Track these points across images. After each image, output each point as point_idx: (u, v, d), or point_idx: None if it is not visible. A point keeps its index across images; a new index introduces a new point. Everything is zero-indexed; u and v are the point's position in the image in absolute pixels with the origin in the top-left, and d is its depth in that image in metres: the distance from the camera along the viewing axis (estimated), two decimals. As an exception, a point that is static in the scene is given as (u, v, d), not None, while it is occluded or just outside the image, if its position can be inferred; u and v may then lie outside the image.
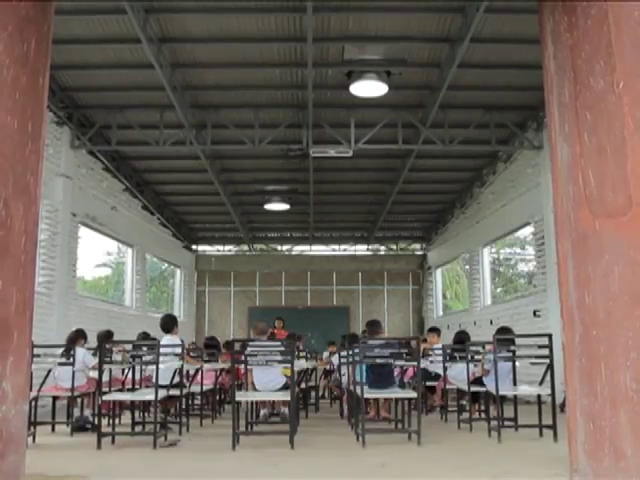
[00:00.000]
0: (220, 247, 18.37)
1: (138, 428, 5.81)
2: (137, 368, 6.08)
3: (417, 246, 18.47)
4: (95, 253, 19.73)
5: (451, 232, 15.32)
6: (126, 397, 5.74)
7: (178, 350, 5.89)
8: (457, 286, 20.94)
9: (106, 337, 6.94)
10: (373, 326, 6.46)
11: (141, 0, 6.62)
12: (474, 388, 6.28)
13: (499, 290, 16.76)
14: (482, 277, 13.26)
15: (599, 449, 2.95)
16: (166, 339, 6.20)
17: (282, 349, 5.21)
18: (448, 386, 7.09)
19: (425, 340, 9.17)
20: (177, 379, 5.76)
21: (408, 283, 18.08)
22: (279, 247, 18.49)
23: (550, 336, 5.21)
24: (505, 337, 5.67)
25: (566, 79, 3.26)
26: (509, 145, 10.58)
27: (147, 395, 5.44)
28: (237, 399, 5.25)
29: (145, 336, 7.63)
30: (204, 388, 7.10)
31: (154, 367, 5.35)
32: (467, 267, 15.17)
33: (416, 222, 16.69)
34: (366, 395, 5.37)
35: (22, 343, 3.20)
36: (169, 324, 6.46)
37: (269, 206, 13.58)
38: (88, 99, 9.26)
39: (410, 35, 7.44)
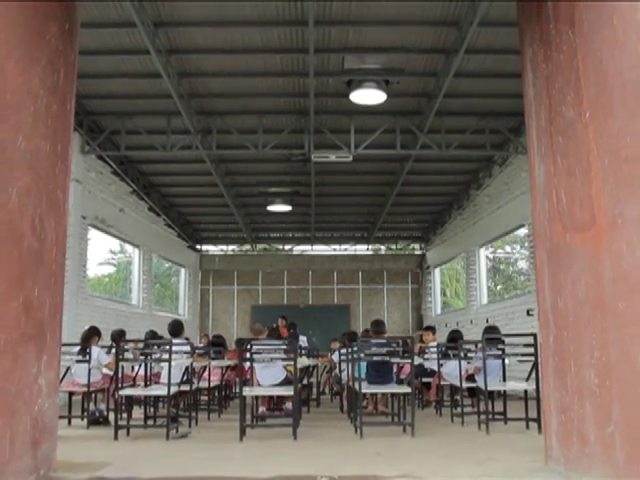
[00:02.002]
0: (224, 247, 18.77)
1: (149, 422, 6.18)
2: (147, 365, 6.46)
3: (416, 246, 18.83)
4: (98, 251, 20.00)
5: (449, 233, 15.67)
6: (141, 392, 6.11)
7: (187, 348, 6.30)
8: (457, 284, 21.21)
9: (119, 336, 7.32)
10: (378, 326, 6.81)
11: (150, 1, 6.87)
12: (468, 384, 6.67)
13: (499, 287, 16.99)
14: (479, 277, 13.61)
15: (569, 437, 3.32)
16: (175, 341, 6.58)
17: (284, 347, 5.60)
18: (442, 382, 7.47)
19: (421, 337, 9.53)
20: (187, 376, 6.15)
21: (407, 282, 18.45)
22: (281, 247, 18.87)
23: (535, 335, 5.55)
24: (492, 336, 6.05)
25: (542, 105, 3.62)
26: (504, 150, 10.89)
27: (160, 390, 5.82)
28: (244, 394, 5.63)
29: (153, 334, 8.02)
30: (211, 384, 7.49)
31: (163, 364, 5.78)
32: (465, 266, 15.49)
33: (415, 223, 17.02)
34: (364, 390, 5.76)
35: (54, 343, 3.58)
36: (177, 329, 6.90)
37: (271, 207, 13.95)
38: (98, 106, 9.58)
39: (407, 46, 7.73)
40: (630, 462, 2.71)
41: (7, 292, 2.98)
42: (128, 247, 14.19)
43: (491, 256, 14.72)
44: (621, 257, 2.76)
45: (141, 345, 6.44)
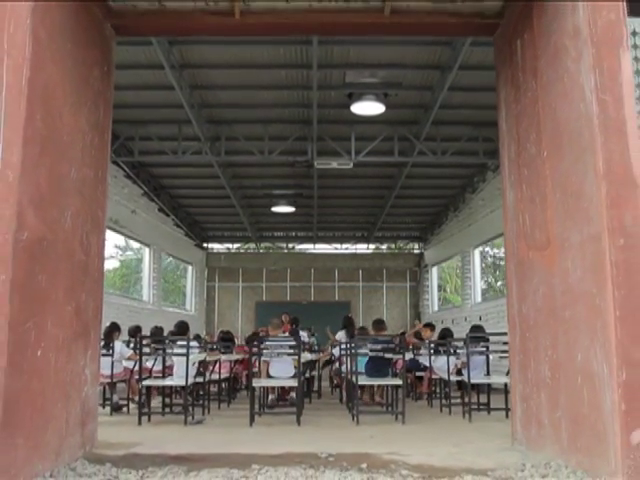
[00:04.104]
0: (229, 245, 19.37)
1: (166, 409, 6.83)
2: (161, 359, 7.12)
3: (414, 245, 19.41)
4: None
5: (446, 233, 16.24)
6: (162, 383, 6.77)
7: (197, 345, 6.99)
8: (457, 279, 21.71)
9: (136, 331, 7.96)
10: (379, 324, 7.49)
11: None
12: (456, 378, 7.33)
13: (499, 284, 17.49)
14: (473, 276, 14.20)
15: (529, 422, 3.96)
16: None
17: (292, 343, 6.26)
18: (434, 376, 8.12)
19: (419, 333, 10.15)
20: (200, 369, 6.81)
21: (406, 280, 19.03)
22: (284, 245, 19.45)
23: (514, 334, 6.18)
24: (476, 334, 6.71)
25: (512, 139, 4.24)
26: (496, 157, 11.34)
27: (179, 381, 6.48)
28: (253, 385, 6.30)
29: (157, 330, 8.67)
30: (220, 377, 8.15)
31: (176, 359, 6.47)
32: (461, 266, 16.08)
33: (413, 223, 17.53)
34: (361, 382, 6.42)
35: (96, 340, 4.23)
36: (182, 329, 7.51)
37: (276, 208, 14.54)
38: (114, 115, 10.07)
39: (405, 63, 8.23)
40: (571, 441, 3.33)
41: (63, 298, 3.61)
42: (134, 244, 14.78)
43: (492, 252, 15.23)
44: (567, 274, 3.37)
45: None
